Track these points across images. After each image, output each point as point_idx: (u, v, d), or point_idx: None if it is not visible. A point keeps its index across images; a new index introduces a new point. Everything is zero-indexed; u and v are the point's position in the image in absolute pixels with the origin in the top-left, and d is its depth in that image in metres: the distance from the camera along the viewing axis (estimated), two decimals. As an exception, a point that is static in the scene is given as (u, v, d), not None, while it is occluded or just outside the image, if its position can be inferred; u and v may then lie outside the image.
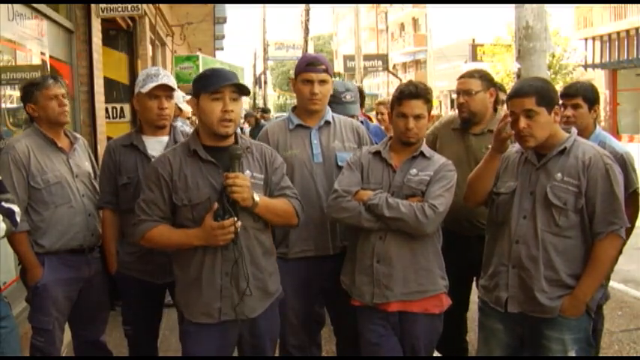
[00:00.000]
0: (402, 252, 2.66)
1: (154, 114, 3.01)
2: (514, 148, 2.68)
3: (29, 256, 2.94)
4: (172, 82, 3.06)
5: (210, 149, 2.45)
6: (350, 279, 2.79)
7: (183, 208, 2.42)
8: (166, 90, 2.99)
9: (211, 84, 2.39)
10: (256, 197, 2.39)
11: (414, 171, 2.71)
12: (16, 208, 2.48)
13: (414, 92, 2.68)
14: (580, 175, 2.44)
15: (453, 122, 3.56)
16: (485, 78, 3.45)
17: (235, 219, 2.33)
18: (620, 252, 2.65)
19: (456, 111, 3.58)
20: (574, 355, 2.49)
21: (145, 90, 2.96)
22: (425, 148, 2.80)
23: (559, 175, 2.46)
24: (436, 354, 3.23)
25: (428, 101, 2.70)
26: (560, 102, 2.91)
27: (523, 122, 2.45)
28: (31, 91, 3.05)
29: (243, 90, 2.46)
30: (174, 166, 2.44)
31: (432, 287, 2.72)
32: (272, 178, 2.54)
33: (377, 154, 2.79)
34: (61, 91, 3.08)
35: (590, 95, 3.31)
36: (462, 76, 3.50)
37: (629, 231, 2.65)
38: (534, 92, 2.44)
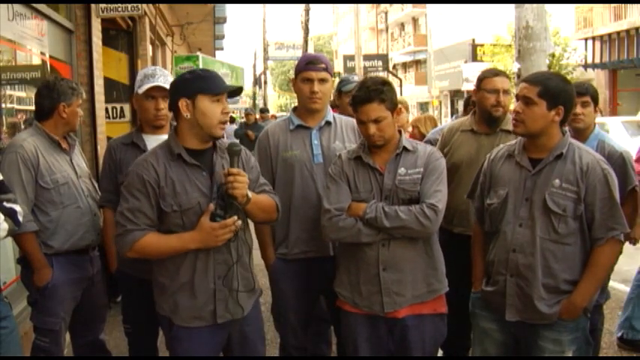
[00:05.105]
0: (408, 255, 2.58)
1: (150, 114, 3.01)
2: (499, 153, 2.66)
3: (39, 256, 2.93)
4: (169, 81, 3.02)
5: (192, 152, 2.40)
6: (351, 290, 2.67)
7: (173, 214, 2.35)
8: (162, 91, 2.97)
9: (215, 86, 2.36)
10: (249, 193, 2.37)
11: (402, 170, 2.59)
12: (18, 207, 2.48)
13: (365, 97, 2.53)
14: (579, 181, 2.41)
15: (462, 125, 3.56)
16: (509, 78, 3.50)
17: (236, 217, 2.32)
18: (620, 251, 2.64)
19: (456, 117, 3.58)
20: (572, 355, 2.49)
21: (140, 91, 2.97)
22: (406, 141, 2.67)
23: (557, 181, 2.43)
24: (439, 353, 3.23)
25: (383, 100, 2.53)
26: None
27: (518, 107, 2.47)
28: (70, 92, 3.07)
29: (235, 93, 2.47)
30: (160, 171, 2.35)
31: (440, 286, 2.68)
32: (249, 177, 2.46)
33: (358, 159, 2.66)
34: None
35: (595, 95, 3.40)
36: (496, 74, 3.42)
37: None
38: (541, 83, 2.44)
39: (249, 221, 2.51)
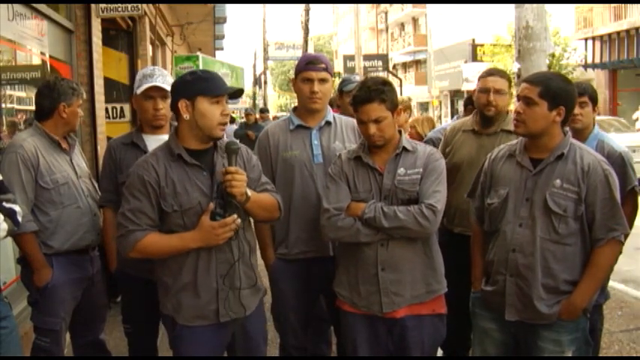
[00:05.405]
0: (407, 255, 2.58)
1: (149, 114, 3.02)
2: (500, 152, 2.67)
3: (38, 256, 2.93)
4: (168, 81, 3.02)
5: (193, 152, 2.41)
6: (350, 290, 2.68)
7: (174, 214, 2.36)
8: (160, 91, 2.97)
9: (215, 88, 2.37)
10: (248, 192, 2.37)
11: (401, 170, 2.60)
12: (17, 208, 2.48)
13: (366, 97, 2.54)
14: (580, 181, 2.41)
15: (464, 125, 3.57)
16: (509, 79, 3.49)
17: (235, 215, 2.32)
18: (620, 252, 2.65)
19: (458, 117, 3.57)
20: (571, 355, 2.49)
21: (139, 91, 2.98)
22: (406, 141, 2.67)
23: (558, 181, 2.43)
24: (439, 353, 3.23)
25: (384, 100, 2.54)
26: None
27: (519, 107, 2.48)
28: (70, 92, 3.07)
29: (235, 95, 2.47)
30: (160, 171, 2.36)
31: (439, 287, 2.68)
32: (250, 176, 2.47)
33: (358, 159, 2.66)
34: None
35: (594, 95, 3.40)
36: (491, 74, 3.43)
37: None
38: (542, 83, 2.44)
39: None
